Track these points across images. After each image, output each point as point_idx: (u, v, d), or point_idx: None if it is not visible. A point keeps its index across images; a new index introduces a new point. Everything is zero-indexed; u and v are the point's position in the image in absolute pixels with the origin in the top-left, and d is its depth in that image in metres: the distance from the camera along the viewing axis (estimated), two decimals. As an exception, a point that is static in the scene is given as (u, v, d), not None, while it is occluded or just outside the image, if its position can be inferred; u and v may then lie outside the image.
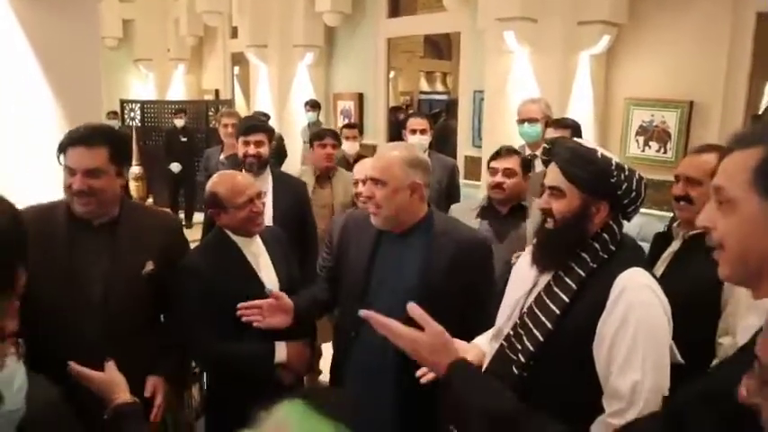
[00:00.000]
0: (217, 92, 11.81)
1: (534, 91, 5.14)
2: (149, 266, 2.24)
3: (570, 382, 1.59)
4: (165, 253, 2.30)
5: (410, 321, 1.50)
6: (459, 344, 1.79)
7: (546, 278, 1.70)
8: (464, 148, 6.89)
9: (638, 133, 5.36)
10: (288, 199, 3.50)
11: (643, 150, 5.28)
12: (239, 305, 2.24)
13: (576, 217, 1.62)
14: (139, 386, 2.15)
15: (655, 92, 5.23)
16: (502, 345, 1.74)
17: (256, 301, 2.27)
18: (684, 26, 5.01)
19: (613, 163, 1.61)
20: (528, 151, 3.91)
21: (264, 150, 3.50)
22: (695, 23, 4.94)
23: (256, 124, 3.69)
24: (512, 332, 1.71)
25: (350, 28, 8.27)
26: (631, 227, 4.40)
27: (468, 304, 2.19)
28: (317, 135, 4.39)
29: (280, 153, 7.35)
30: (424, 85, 14.89)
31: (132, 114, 10.31)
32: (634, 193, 1.62)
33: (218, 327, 2.31)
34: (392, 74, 10.14)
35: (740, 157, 1.06)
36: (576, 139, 1.80)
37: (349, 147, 5.13)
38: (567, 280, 1.63)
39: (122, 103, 10.48)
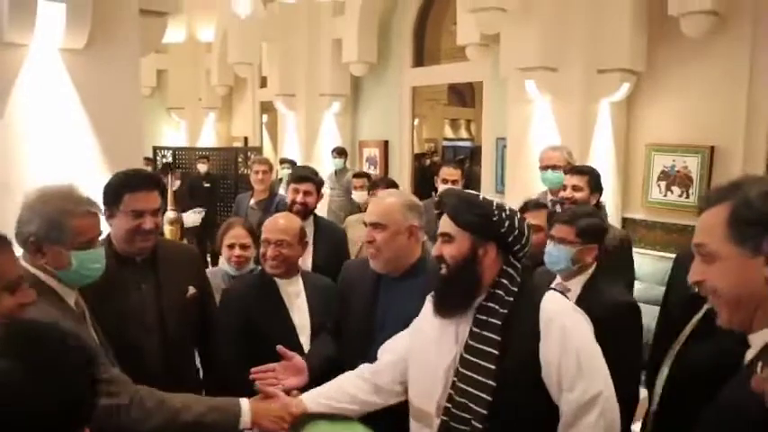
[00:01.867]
0: (246, 139, 12.13)
1: (555, 138, 5.24)
2: (191, 290, 2.45)
3: (531, 416, 1.68)
4: (198, 278, 2.55)
5: None
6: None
7: (462, 341, 1.74)
8: (487, 194, 6.95)
9: (659, 178, 5.42)
10: (327, 248, 3.58)
11: (665, 195, 5.33)
12: (253, 369, 2.20)
13: (465, 260, 1.73)
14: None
15: (675, 137, 5.30)
16: (443, 420, 1.74)
17: (270, 365, 2.23)
18: (702, 72, 5.10)
19: (494, 204, 1.75)
20: (550, 197, 4.00)
21: (312, 200, 3.65)
22: (713, 69, 5.04)
23: (308, 175, 3.80)
24: (450, 404, 1.73)
25: (375, 77, 8.52)
26: (658, 271, 4.37)
27: None
28: (375, 184, 4.48)
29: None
30: (449, 132, 15.11)
31: (164, 160, 10.60)
32: (517, 231, 1.73)
33: (244, 355, 2.37)
34: (416, 121, 10.33)
35: (712, 214, 1.22)
36: (466, 190, 1.95)
37: (359, 196, 5.23)
38: (487, 333, 1.70)
39: (155, 149, 10.79)
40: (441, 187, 4.33)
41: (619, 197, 5.57)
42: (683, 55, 5.20)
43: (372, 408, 1.99)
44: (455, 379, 1.73)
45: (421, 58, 8.30)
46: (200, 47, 12.00)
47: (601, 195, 3.63)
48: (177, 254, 2.54)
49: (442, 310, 1.78)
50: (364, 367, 2.04)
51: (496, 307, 1.70)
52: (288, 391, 2.07)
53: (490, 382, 1.65)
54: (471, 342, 1.71)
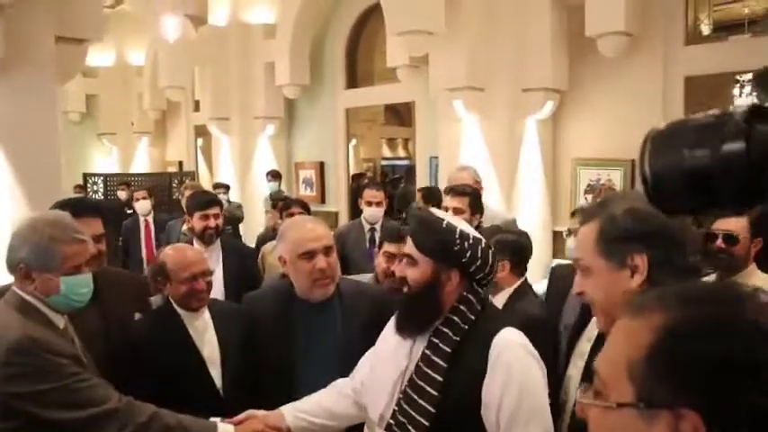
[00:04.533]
0: (180, 163, 11.91)
1: (484, 156, 5.38)
2: (137, 316, 2.47)
3: None
4: (145, 304, 2.57)
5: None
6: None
7: (416, 358, 1.73)
8: (423, 212, 7.05)
9: (586, 192, 5.61)
10: (237, 267, 3.59)
11: (591, 208, 5.51)
12: None
13: (427, 284, 1.69)
14: None
15: (599, 152, 5.52)
16: None
17: None
18: (621, 89, 5.36)
19: (457, 232, 1.67)
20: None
21: (221, 221, 3.66)
22: (630, 86, 5.30)
23: (214, 198, 3.83)
24: (393, 421, 1.73)
25: (309, 99, 8.55)
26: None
27: None
28: (288, 205, 4.47)
29: (234, 221, 7.40)
30: (387, 152, 15.22)
31: (95, 188, 10.31)
32: (480, 261, 1.67)
33: (150, 396, 2.10)
34: (353, 142, 10.39)
35: (585, 231, 1.35)
36: (433, 209, 1.89)
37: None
38: (436, 359, 1.67)
39: (85, 176, 10.48)
40: (365, 209, 4.36)
41: (548, 211, 5.74)
42: (602, 73, 5.43)
43: (352, 422, 1.97)
44: (400, 396, 1.71)
45: (354, 79, 8.38)
46: (131, 70, 11.78)
47: (481, 216, 3.56)
48: (119, 278, 2.55)
49: (402, 329, 1.77)
50: (341, 382, 2.02)
51: (450, 333, 1.66)
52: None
53: (430, 409, 1.62)
54: (420, 364, 1.68)
